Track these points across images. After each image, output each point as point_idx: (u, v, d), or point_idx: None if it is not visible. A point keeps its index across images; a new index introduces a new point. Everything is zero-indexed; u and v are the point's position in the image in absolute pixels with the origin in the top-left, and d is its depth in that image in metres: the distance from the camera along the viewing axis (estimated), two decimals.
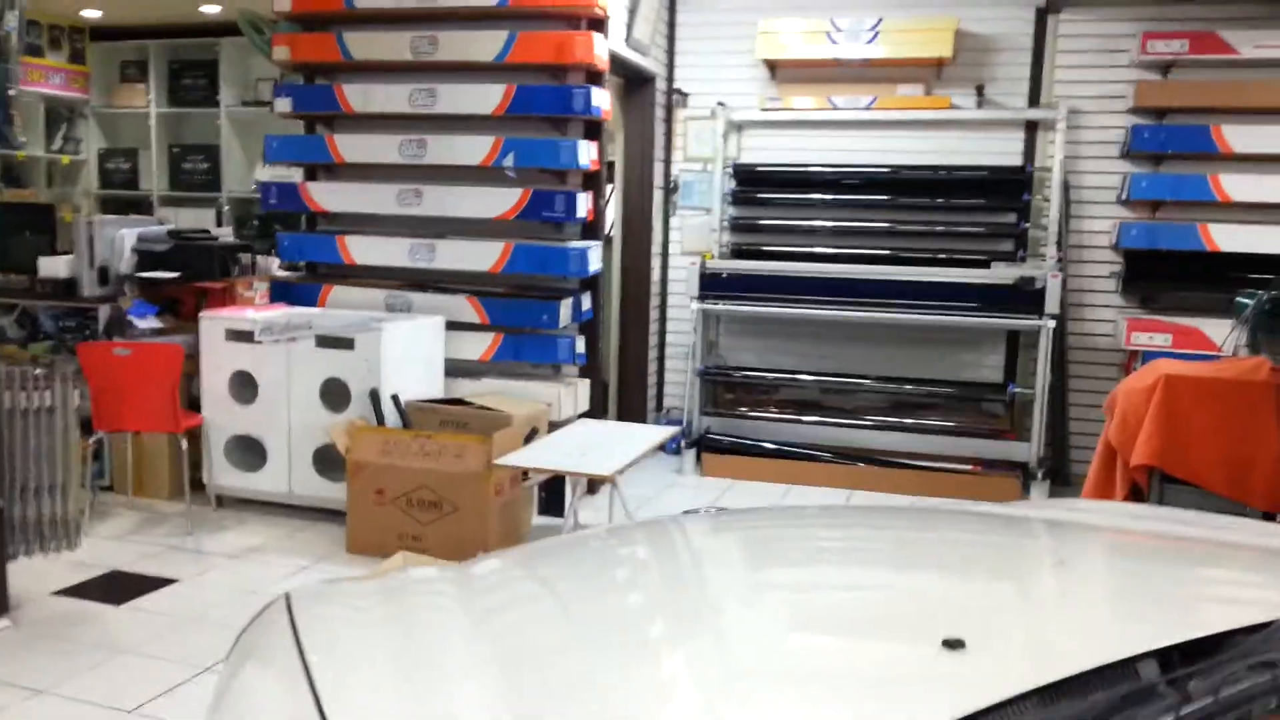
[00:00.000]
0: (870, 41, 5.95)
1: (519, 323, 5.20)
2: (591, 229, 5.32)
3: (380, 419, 4.70)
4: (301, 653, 1.44)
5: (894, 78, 6.09)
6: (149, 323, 5.06)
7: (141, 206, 7.77)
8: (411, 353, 4.99)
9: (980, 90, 6.02)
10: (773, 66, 6.28)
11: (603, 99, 5.11)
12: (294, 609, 1.60)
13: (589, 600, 1.58)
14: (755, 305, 6.06)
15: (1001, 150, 6.03)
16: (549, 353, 5.21)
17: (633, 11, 5.62)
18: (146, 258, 5.22)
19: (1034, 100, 5.95)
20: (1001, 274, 5.76)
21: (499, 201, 5.13)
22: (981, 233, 6.06)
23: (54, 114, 7.91)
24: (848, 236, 6.20)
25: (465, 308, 5.26)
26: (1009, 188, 5.97)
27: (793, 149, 6.29)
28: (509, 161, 5.07)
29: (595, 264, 5.27)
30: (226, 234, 5.97)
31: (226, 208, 7.66)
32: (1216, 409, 3.64)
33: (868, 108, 6.09)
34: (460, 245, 5.24)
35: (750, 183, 6.33)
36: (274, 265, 5.77)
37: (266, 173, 6.65)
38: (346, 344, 4.76)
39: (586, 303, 5.34)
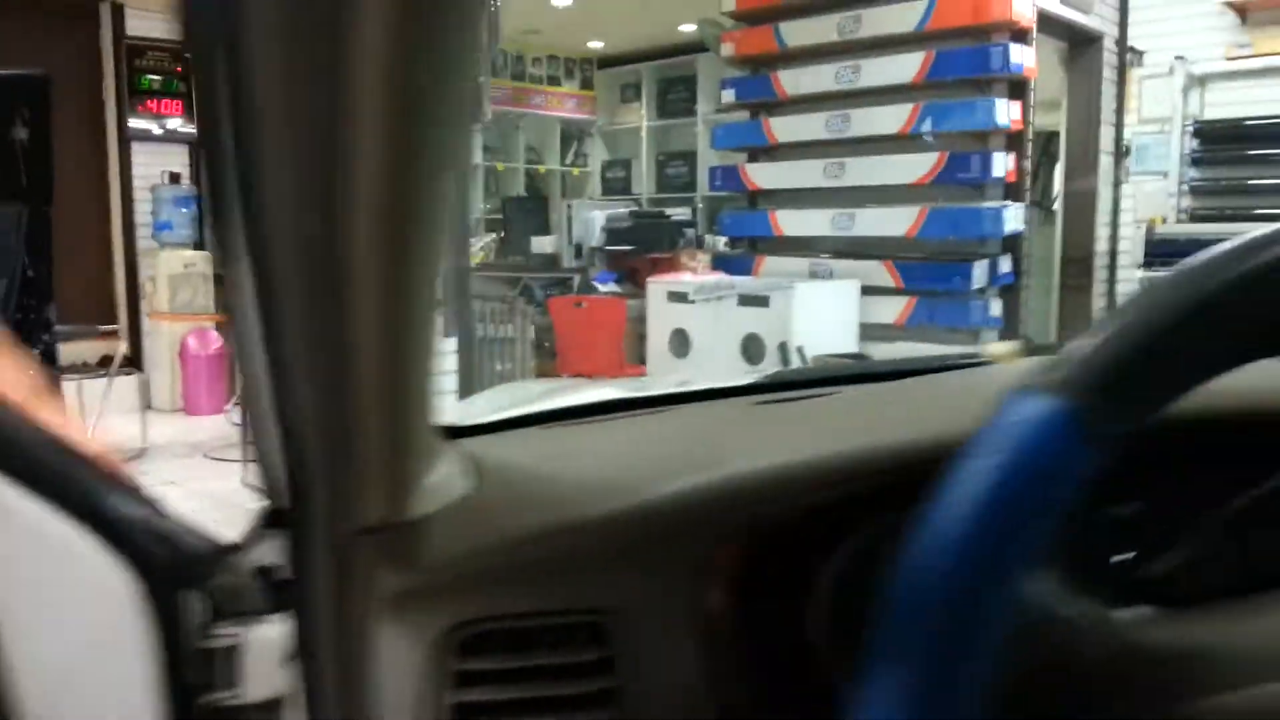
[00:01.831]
0: None
1: (932, 285, 5.26)
2: (1014, 190, 5.22)
3: (786, 366, 5.05)
4: None
5: None
6: (609, 287, 5.90)
7: None
8: (824, 313, 5.27)
9: None
10: (1242, 10, 5.65)
11: (1024, 55, 5.02)
12: None
13: None
14: None
15: None
16: (962, 316, 5.21)
17: None
18: (613, 234, 6.10)
19: None
20: None
21: (915, 167, 5.25)
22: None
23: (567, 134, 9.37)
24: None
25: (880, 272, 5.43)
26: None
27: (1266, 101, 5.60)
28: (926, 126, 5.17)
29: (1013, 224, 5.17)
30: (682, 213, 6.72)
31: (700, 205, 8.53)
32: None
33: None
34: (878, 212, 5.43)
35: (1216, 140, 5.75)
36: (720, 243, 6.39)
37: (715, 158, 7.35)
38: (763, 302, 5.18)
39: (1005, 265, 5.25)
